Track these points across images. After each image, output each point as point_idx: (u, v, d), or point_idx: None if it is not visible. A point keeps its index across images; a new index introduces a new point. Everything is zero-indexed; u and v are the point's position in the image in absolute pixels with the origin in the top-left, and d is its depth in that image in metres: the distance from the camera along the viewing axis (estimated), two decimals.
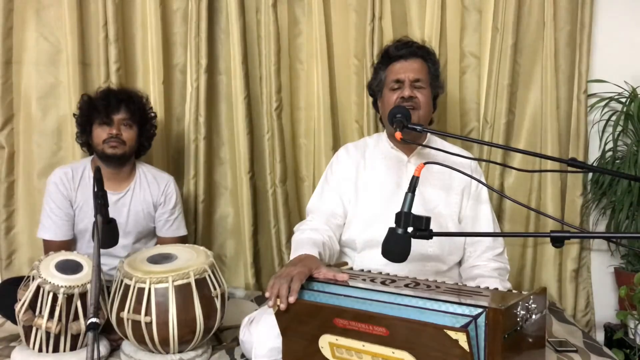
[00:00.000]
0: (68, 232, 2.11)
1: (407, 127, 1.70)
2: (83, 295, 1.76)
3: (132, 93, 2.15)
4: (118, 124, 2.07)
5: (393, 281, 1.50)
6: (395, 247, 1.39)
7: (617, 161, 2.44)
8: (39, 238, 2.14)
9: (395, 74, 1.91)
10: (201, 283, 1.77)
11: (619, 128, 2.45)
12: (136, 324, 1.71)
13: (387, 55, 1.96)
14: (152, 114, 2.24)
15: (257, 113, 2.54)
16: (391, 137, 1.96)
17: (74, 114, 2.19)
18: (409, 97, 1.86)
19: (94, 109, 2.08)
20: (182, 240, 2.26)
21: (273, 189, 2.53)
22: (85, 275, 1.79)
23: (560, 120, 2.46)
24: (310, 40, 2.50)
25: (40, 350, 1.76)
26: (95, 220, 1.60)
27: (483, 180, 2.11)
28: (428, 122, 1.95)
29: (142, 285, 1.71)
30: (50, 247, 2.06)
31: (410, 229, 1.37)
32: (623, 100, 2.45)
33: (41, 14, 2.45)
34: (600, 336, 2.49)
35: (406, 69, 1.90)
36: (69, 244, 2.11)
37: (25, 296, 1.74)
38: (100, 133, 2.07)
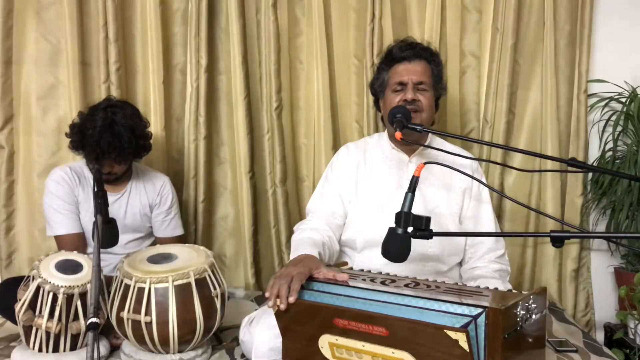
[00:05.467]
0: (80, 225, 2.11)
1: (407, 127, 1.71)
2: (83, 295, 1.76)
3: (125, 140, 1.97)
4: (110, 165, 2.02)
5: (393, 281, 1.50)
6: (395, 247, 1.39)
7: (617, 161, 2.44)
8: (49, 237, 2.14)
9: (399, 76, 1.90)
10: (201, 283, 1.77)
11: (619, 128, 2.45)
12: (136, 324, 1.71)
13: (391, 56, 1.95)
14: (148, 139, 2.12)
15: (257, 113, 2.53)
16: (392, 137, 1.95)
17: (66, 133, 2.10)
18: (412, 100, 1.86)
19: (84, 148, 2.01)
20: (179, 239, 2.26)
21: (273, 189, 2.53)
22: (85, 275, 1.79)
23: (560, 120, 2.46)
24: (310, 40, 2.50)
25: (40, 350, 1.76)
26: (95, 220, 1.60)
27: (484, 180, 2.11)
28: (430, 123, 1.95)
29: (142, 285, 1.71)
30: (65, 242, 2.06)
31: (410, 229, 1.37)
32: (623, 100, 2.45)
33: (41, 14, 2.45)
34: (600, 336, 2.49)
35: (409, 72, 1.89)
36: (82, 238, 2.11)
37: (25, 296, 1.74)
38: (92, 163, 2.03)
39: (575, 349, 1.89)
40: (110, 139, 1.95)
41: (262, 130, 2.52)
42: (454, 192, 1.94)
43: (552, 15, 2.40)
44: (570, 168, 1.43)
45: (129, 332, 1.73)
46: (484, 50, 2.49)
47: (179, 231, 2.29)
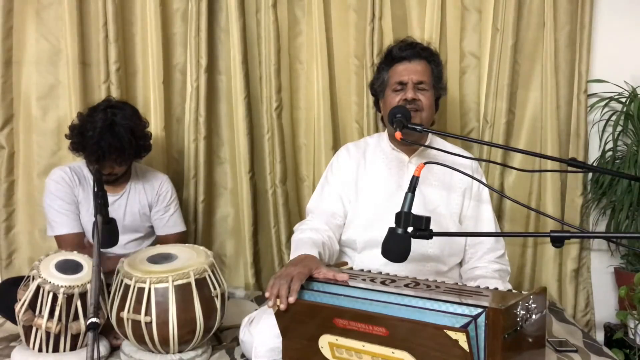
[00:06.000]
0: (80, 225, 2.11)
1: (407, 127, 1.71)
2: (83, 295, 1.76)
3: (125, 141, 1.97)
4: (110, 167, 2.02)
5: (393, 281, 1.50)
6: (395, 247, 1.39)
7: (617, 161, 2.44)
8: (49, 237, 2.15)
9: (399, 76, 1.90)
10: (201, 283, 1.77)
11: (619, 128, 2.45)
12: (136, 324, 1.71)
13: (391, 55, 1.95)
14: (148, 139, 2.13)
15: (257, 113, 2.53)
16: (392, 137, 1.95)
17: (66, 135, 2.10)
18: (412, 99, 1.86)
19: (85, 150, 2.00)
20: (181, 236, 2.26)
21: (273, 189, 2.53)
22: (85, 275, 1.79)
23: (560, 120, 2.46)
24: (310, 40, 2.50)
25: (40, 350, 1.76)
26: (95, 220, 1.60)
27: (484, 180, 2.11)
28: (430, 123, 1.95)
29: (142, 285, 1.71)
30: (66, 241, 2.06)
31: (410, 229, 1.37)
32: (623, 100, 2.45)
33: (41, 14, 2.45)
34: (600, 336, 2.49)
35: (409, 71, 1.89)
36: (83, 237, 2.11)
37: (25, 296, 1.74)
38: (93, 164, 2.02)
39: (575, 349, 1.89)
40: (111, 140, 1.95)
41: (262, 130, 2.52)
42: (453, 192, 1.94)
43: (552, 16, 2.40)
44: (570, 168, 1.44)
45: (129, 332, 1.73)
46: (484, 50, 2.48)
47: (180, 228, 2.29)
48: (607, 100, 2.47)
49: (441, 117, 2.46)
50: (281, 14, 2.47)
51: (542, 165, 2.39)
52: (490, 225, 1.96)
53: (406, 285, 1.46)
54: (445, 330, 1.20)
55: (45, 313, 1.72)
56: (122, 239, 2.07)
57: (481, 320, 1.22)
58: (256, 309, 1.92)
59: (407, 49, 1.93)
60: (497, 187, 2.47)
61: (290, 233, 2.31)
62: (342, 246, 1.95)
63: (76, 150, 2.05)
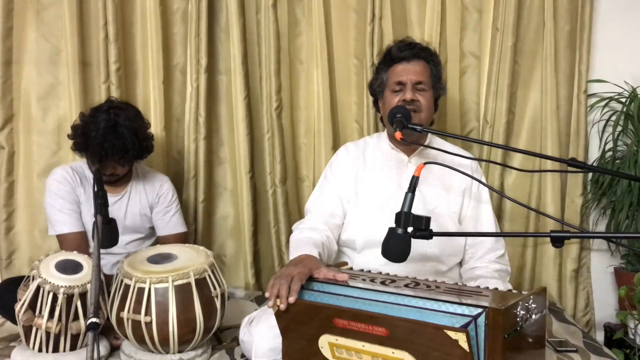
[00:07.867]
0: (82, 224, 2.11)
1: (407, 127, 1.71)
2: (83, 295, 1.76)
3: (128, 142, 1.97)
4: (112, 168, 2.02)
5: (393, 281, 1.50)
6: (395, 247, 1.39)
7: (617, 161, 2.44)
8: (49, 237, 2.15)
9: (398, 76, 1.90)
10: (201, 283, 1.77)
11: (619, 128, 2.45)
12: (136, 324, 1.71)
13: (390, 56, 1.95)
14: (150, 140, 2.13)
15: (257, 113, 2.54)
16: (391, 137, 1.95)
17: (68, 135, 2.10)
18: (411, 100, 1.86)
19: (88, 150, 2.00)
20: (182, 237, 2.26)
21: (273, 189, 2.53)
22: (85, 275, 1.80)
23: (560, 120, 2.46)
24: (310, 40, 2.50)
25: (40, 350, 1.76)
26: (95, 220, 1.60)
27: (484, 180, 2.11)
28: (429, 123, 1.95)
29: (142, 285, 1.71)
30: (68, 241, 2.05)
31: (410, 229, 1.37)
32: (623, 100, 2.45)
33: (41, 14, 2.45)
34: (600, 336, 2.49)
35: (408, 71, 1.89)
36: (85, 236, 2.11)
37: (25, 296, 1.74)
38: (95, 165, 2.02)
39: (575, 349, 1.89)
40: (114, 141, 1.95)
41: (262, 130, 2.52)
42: (453, 192, 1.94)
43: (552, 16, 2.39)
44: (570, 168, 1.44)
45: (129, 332, 1.73)
46: (484, 50, 2.48)
47: (181, 228, 2.28)
48: (607, 100, 2.47)
49: (441, 117, 2.46)
50: (281, 14, 2.47)
51: (542, 165, 2.39)
52: (490, 225, 1.96)
53: (406, 285, 1.46)
54: (445, 330, 1.20)
55: (45, 313, 1.72)
56: (123, 239, 2.08)
57: (481, 320, 1.22)
58: (256, 309, 1.92)
59: (406, 49, 1.93)
60: (497, 187, 2.47)
61: (290, 233, 2.31)
62: (341, 246, 1.95)
63: (79, 150, 2.05)
